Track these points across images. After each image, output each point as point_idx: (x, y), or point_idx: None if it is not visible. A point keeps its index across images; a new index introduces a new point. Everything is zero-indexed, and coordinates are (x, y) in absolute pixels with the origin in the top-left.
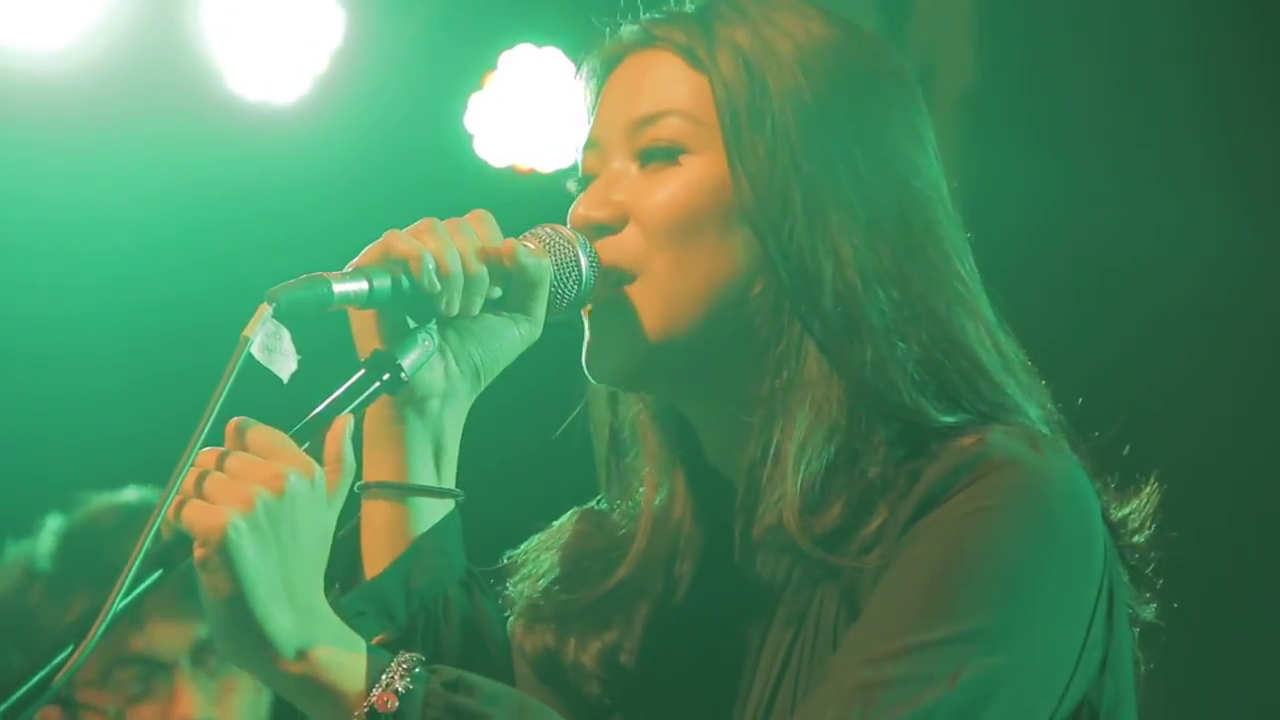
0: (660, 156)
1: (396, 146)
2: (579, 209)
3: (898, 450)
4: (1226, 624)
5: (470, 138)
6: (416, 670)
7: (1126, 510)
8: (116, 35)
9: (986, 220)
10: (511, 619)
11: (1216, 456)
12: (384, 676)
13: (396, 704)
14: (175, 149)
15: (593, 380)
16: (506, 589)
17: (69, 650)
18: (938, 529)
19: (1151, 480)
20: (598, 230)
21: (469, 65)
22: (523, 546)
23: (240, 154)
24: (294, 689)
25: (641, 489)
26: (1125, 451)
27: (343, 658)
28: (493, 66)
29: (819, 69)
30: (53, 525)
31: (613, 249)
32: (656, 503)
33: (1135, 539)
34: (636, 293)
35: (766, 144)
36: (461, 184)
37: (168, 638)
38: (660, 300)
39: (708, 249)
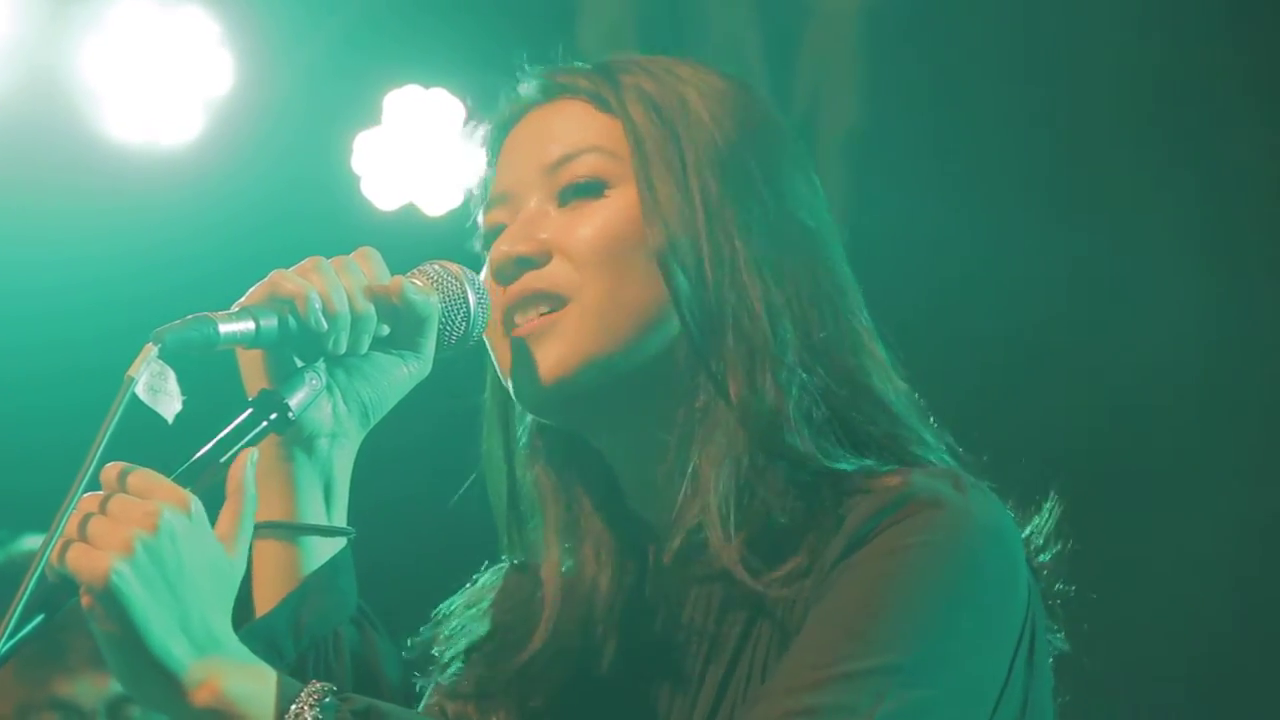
0: (582, 192)
1: (284, 188)
2: (501, 246)
3: (813, 488)
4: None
5: (357, 179)
6: (327, 700)
7: (1027, 530)
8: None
9: (874, 257)
10: (429, 691)
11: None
12: (293, 707)
13: None
14: (59, 194)
15: (522, 405)
16: (427, 645)
17: None
18: (863, 566)
19: (1050, 496)
20: (523, 264)
21: (356, 106)
22: (444, 605)
23: (126, 198)
24: None
25: (546, 549)
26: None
27: (250, 688)
28: (379, 108)
29: (722, 115)
30: None
31: (540, 280)
32: (566, 562)
33: (1040, 557)
34: (567, 319)
35: (677, 181)
36: (350, 225)
37: (91, 686)
38: (592, 326)
39: (637, 277)
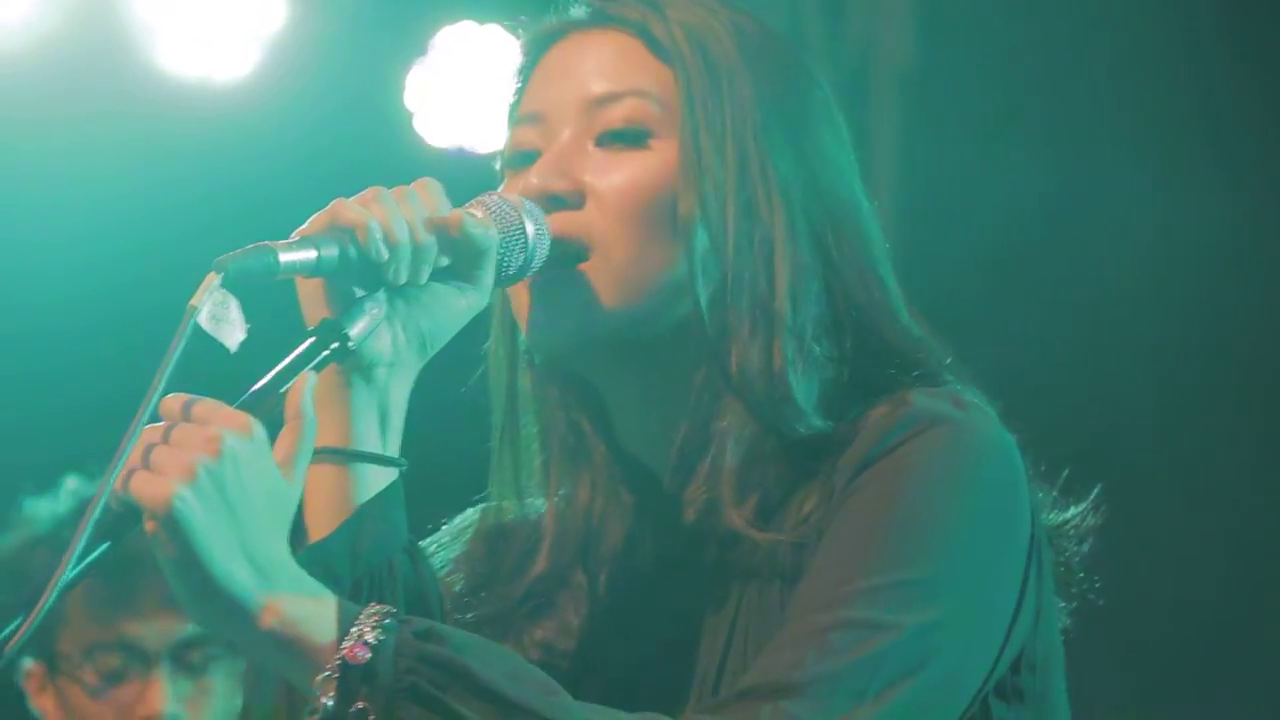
0: (624, 138)
1: (338, 122)
2: (533, 178)
3: (819, 435)
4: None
5: (409, 115)
6: (387, 621)
7: (1067, 515)
8: (54, 18)
9: (926, 203)
10: None
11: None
12: (354, 628)
13: (369, 655)
14: (116, 130)
15: (534, 349)
16: None
17: (19, 620)
18: (874, 486)
19: (1095, 495)
20: (554, 202)
21: (410, 41)
22: (425, 543)
23: (184, 133)
24: (264, 647)
25: (540, 475)
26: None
27: (310, 611)
28: (432, 43)
29: (762, 68)
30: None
31: (569, 223)
32: (562, 491)
33: (1074, 548)
34: (590, 270)
35: (717, 143)
36: (404, 160)
37: (158, 628)
38: (614, 280)
39: (667, 236)
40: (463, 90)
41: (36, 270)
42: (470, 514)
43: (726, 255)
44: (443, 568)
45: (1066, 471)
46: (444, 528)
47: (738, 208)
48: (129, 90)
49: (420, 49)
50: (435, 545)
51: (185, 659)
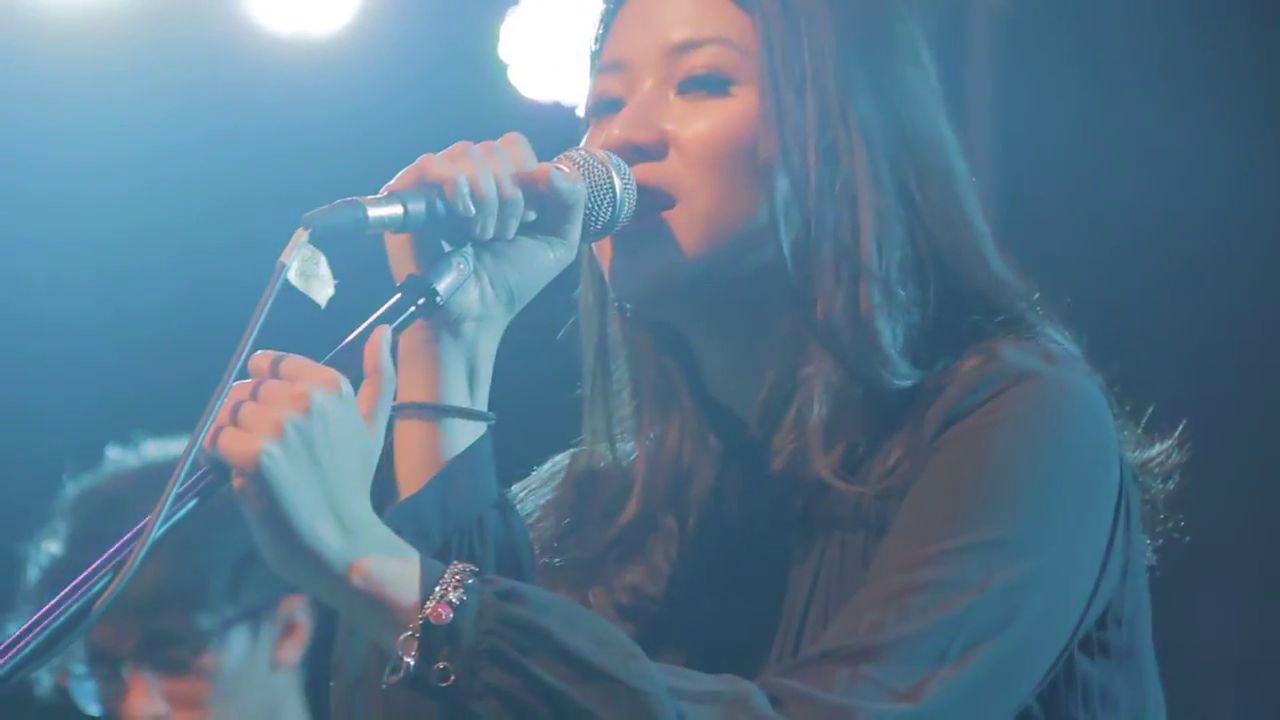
0: (705, 85)
1: (433, 76)
2: (616, 130)
3: (908, 389)
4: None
5: (505, 67)
6: (470, 581)
7: (1151, 453)
8: None
9: (1021, 145)
10: None
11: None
12: (437, 589)
13: (451, 615)
14: (211, 86)
15: (618, 297)
16: None
17: (108, 579)
18: (959, 443)
19: (1180, 431)
20: (637, 153)
21: None
22: (514, 489)
23: (279, 87)
24: (349, 602)
25: (632, 420)
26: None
27: (395, 569)
28: None
29: (842, 11)
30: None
31: (652, 173)
32: (653, 435)
33: (1159, 486)
34: (673, 218)
35: (796, 89)
36: (500, 112)
37: (118, 631)
38: (697, 228)
39: (751, 184)
40: (558, 41)
41: (134, 226)
42: (561, 459)
43: (808, 201)
44: (533, 513)
45: (1152, 408)
46: (534, 473)
47: (819, 153)
48: (223, 45)
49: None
50: (525, 490)
51: (160, 659)
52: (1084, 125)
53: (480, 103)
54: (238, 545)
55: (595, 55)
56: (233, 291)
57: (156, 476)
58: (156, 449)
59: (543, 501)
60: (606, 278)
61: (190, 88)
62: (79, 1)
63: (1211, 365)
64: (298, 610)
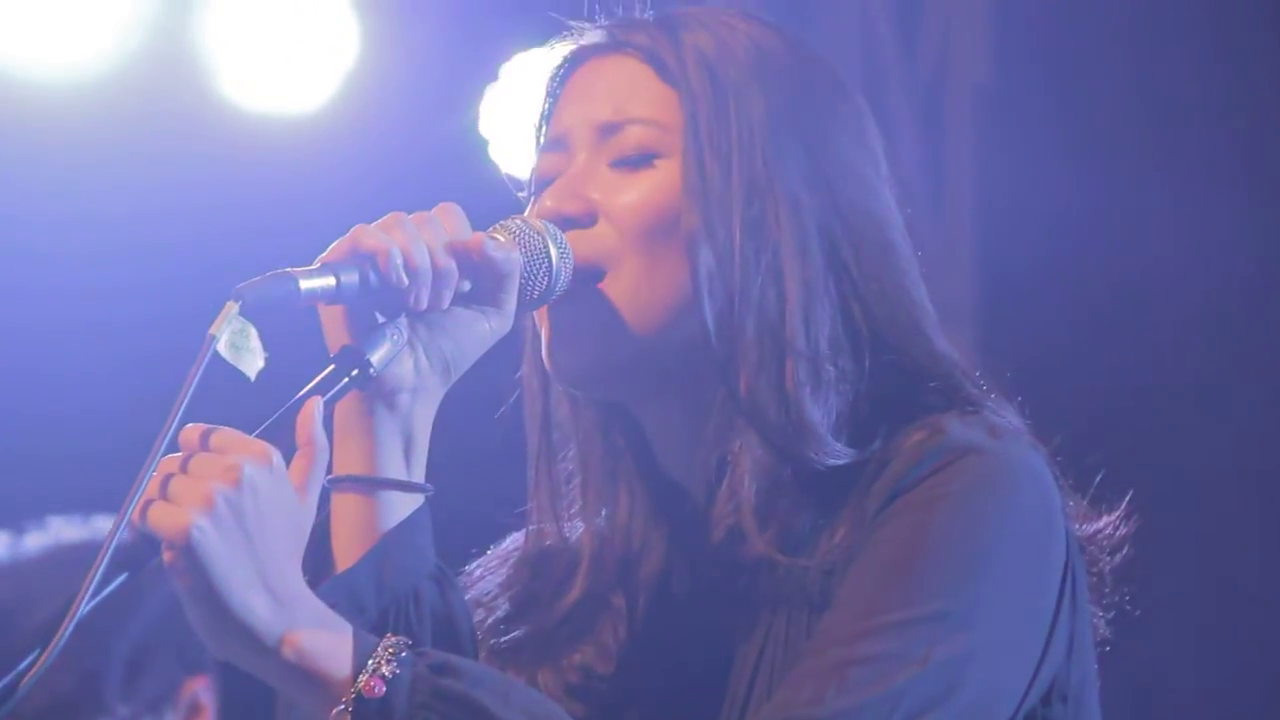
0: (632, 162)
1: (411, 152)
2: (547, 202)
3: (844, 459)
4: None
5: (485, 142)
6: (403, 654)
7: (1098, 525)
8: (127, 51)
9: (999, 216)
10: None
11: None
12: (370, 661)
13: (384, 689)
14: (187, 163)
15: (555, 378)
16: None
17: (35, 654)
18: (903, 516)
19: (1126, 502)
20: (567, 223)
21: (480, 71)
22: (469, 569)
23: (257, 165)
24: (281, 676)
25: (581, 500)
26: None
27: (327, 642)
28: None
29: (778, 82)
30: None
31: (583, 243)
32: (603, 512)
33: (1106, 558)
34: (605, 288)
35: (722, 163)
36: (477, 190)
37: None
38: (628, 299)
39: (677, 253)
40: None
41: (102, 296)
42: (516, 538)
43: (732, 274)
44: (489, 592)
45: (1099, 478)
46: (490, 552)
47: (743, 226)
48: (201, 123)
49: (491, 78)
50: (482, 570)
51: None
52: (1062, 195)
53: (462, 179)
54: (130, 641)
55: (538, 133)
56: (168, 362)
57: (60, 559)
58: (62, 527)
59: (499, 581)
60: (546, 363)
61: (165, 159)
62: (65, 74)
63: (1160, 435)
64: (201, 691)
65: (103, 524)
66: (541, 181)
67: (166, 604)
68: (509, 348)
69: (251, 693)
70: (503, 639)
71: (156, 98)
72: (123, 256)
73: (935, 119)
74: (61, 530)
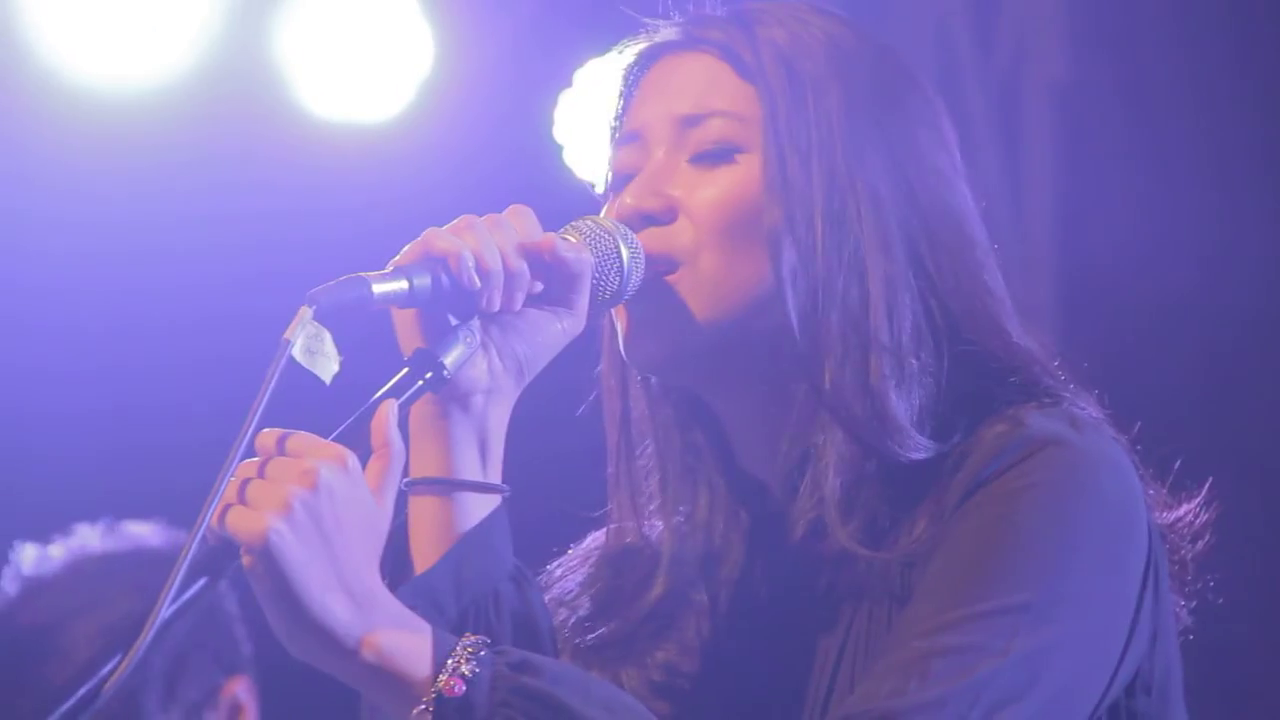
0: (713, 156)
1: (488, 159)
2: (627, 199)
3: (927, 452)
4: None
5: (557, 147)
6: (482, 653)
7: (1179, 513)
8: (203, 62)
9: (1074, 212)
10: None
11: None
12: (450, 661)
13: (464, 688)
14: (262, 171)
15: (633, 365)
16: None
17: (117, 660)
18: (984, 508)
19: (1206, 488)
20: (646, 220)
21: (554, 76)
22: (549, 569)
23: (334, 174)
24: (361, 677)
25: (660, 497)
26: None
27: (407, 643)
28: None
29: (855, 82)
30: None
31: (661, 239)
32: (681, 509)
33: (1187, 546)
34: (681, 283)
35: (802, 156)
36: (555, 195)
37: None
38: (706, 293)
39: (757, 249)
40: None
41: (179, 300)
42: (596, 536)
43: (815, 269)
44: (570, 591)
45: (1177, 464)
46: (572, 550)
47: (825, 220)
48: (276, 131)
49: (567, 83)
50: (563, 569)
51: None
52: (1140, 190)
53: (530, 184)
54: (165, 653)
55: (613, 130)
56: (243, 367)
57: (88, 571)
58: (137, 532)
59: (580, 580)
60: (624, 352)
61: (242, 167)
62: (141, 85)
63: (1239, 421)
64: (241, 693)
65: (134, 530)
66: (619, 177)
67: (200, 609)
68: (587, 346)
69: (290, 691)
70: (586, 638)
71: (232, 107)
72: (200, 262)
73: (1012, 115)
74: (88, 539)
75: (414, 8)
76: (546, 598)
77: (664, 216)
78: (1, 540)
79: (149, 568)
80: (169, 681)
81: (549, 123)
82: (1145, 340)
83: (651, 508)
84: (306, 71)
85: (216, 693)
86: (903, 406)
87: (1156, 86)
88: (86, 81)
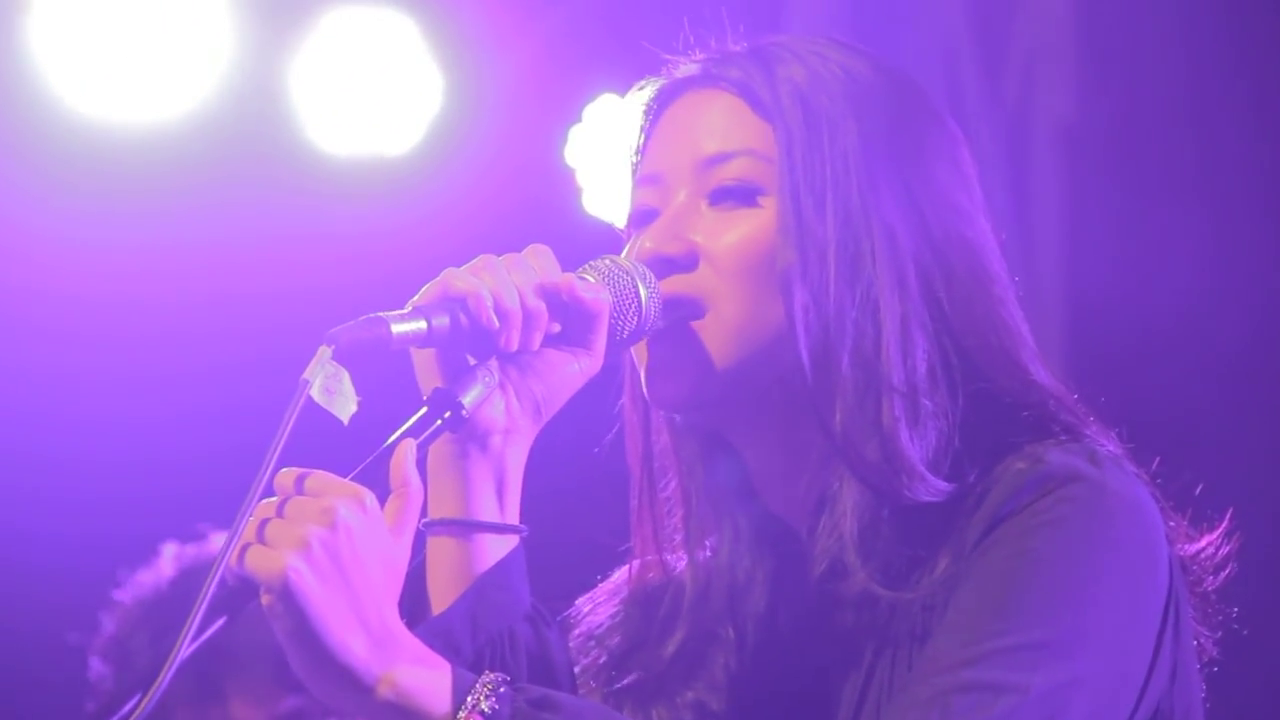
0: (735, 195)
1: (500, 197)
2: (647, 244)
3: (942, 495)
4: None
5: (573, 185)
6: (502, 690)
7: (1199, 545)
8: (217, 99)
9: (1079, 249)
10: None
11: None
12: (469, 698)
13: None
14: (276, 210)
15: (653, 403)
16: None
17: (137, 699)
18: (1004, 545)
19: (1227, 519)
20: (668, 265)
21: (566, 113)
22: (578, 604)
23: (345, 212)
24: (381, 715)
25: (684, 532)
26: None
27: (426, 680)
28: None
29: (872, 116)
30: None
31: (683, 285)
32: (707, 544)
33: (1210, 578)
34: (703, 328)
35: (817, 197)
36: (568, 230)
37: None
38: (726, 336)
39: (776, 292)
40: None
41: (194, 341)
42: (623, 571)
43: (827, 308)
44: (600, 625)
45: (1197, 491)
46: (600, 585)
47: (838, 260)
48: (290, 169)
49: (578, 119)
50: (591, 603)
51: None
52: (1148, 224)
53: (546, 223)
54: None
55: (634, 169)
56: (261, 406)
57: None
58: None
59: (609, 613)
60: (645, 391)
61: (255, 205)
62: (155, 122)
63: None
64: None
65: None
66: (639, 215)
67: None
68: (610, 379)
69: None
70: (618, 680)
71: (244, 145)
72: (213, 302)
73: (1019, 149)
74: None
75: (423, 46)
76: (576, 633)
77: (685, 261)
78: None
79: None
80: None
81: (559, 157)
82: (1154, 370)
83: (675, 541)
84: (318, 109)
85: None
86: (916, 448)
87: (1162, 120)
88: (100, 119)
